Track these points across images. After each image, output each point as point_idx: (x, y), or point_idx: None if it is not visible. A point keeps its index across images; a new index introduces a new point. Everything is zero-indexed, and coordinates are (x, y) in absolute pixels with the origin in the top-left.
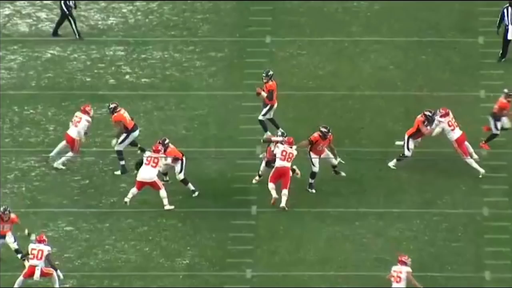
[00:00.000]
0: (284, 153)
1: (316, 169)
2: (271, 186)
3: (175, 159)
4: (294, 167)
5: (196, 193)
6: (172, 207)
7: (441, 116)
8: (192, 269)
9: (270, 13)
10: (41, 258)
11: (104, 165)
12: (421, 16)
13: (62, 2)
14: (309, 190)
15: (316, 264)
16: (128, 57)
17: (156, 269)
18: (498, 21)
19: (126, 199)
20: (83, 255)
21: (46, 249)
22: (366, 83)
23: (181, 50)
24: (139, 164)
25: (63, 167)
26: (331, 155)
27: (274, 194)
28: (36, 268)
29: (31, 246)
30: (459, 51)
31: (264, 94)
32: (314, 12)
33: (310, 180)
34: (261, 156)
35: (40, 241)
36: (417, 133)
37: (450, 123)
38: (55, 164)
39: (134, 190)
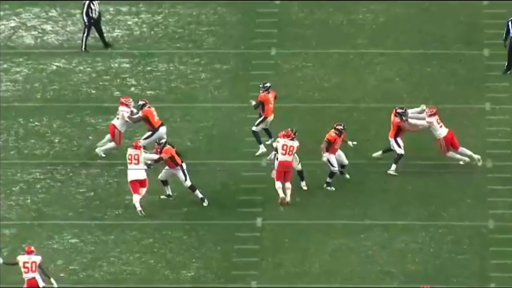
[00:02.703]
0: (285, 147)
1: (335, 169)
2: (278, 185)
3: (159, 159)
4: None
5: (206, 202)
6: (139, 208)
7: (429, 116)
8: (197, 281)
9: (276, 26)
10: (35, 270)
11: (109, 177)
12: (426, 28)
13: (84, 11)
14: (328, 188)
15: (321, 276)
16: (133, 69)
17: (161, 282)
18: (504, 34)
19: (139, 208)
20: (88, 267)
21: (38, 259)
22: (372, 95)
23: (186, 62)
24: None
25: (103, 155)
26: (343, 155)
27: (281, 193)
28: (36, 277)
29: (22, 259)
30: (465, 64)
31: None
32: (320, 24)
33: (328, 179)
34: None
35: (29, 253)
36: (399, 132)
37: (438, 121)
38: (98, 150)
39: (135, 197)
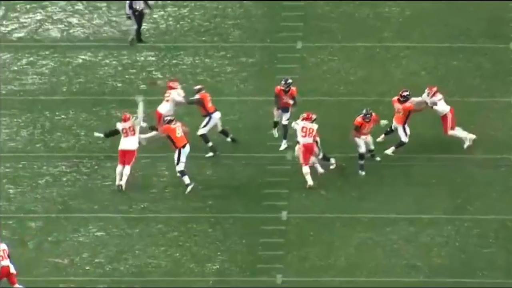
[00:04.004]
0: (304, 129)
1: (362, 149)
2: (306, 170)
3: (152, 128)
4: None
5: (189, 188)
6: (122, 184)
7: (433, 95)
8: (222, 274)
9: (301, 19)
10: (6, 256)
11: (134, 170)
12: (452, 22)
13: (127, 4)
14: (360, 172)
15: (346, 270)
16: (159, 62)
17: (186, 275)
18: None
19: (120, 183)
20: (113, 260)
21: (5, 246)
22: (397, 89)
23: (212, 55)
24: (109, 134)
25: (144, 144)
26: (371, 140)
27: (310, 180)
28: (9, 266)
29: None
30: (490, 57)
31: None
32: (345, 18)
33: (360, 162)
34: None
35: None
36: (408, 118)
37: (441, 98)
38: (141, 136)
39: (118, 168)
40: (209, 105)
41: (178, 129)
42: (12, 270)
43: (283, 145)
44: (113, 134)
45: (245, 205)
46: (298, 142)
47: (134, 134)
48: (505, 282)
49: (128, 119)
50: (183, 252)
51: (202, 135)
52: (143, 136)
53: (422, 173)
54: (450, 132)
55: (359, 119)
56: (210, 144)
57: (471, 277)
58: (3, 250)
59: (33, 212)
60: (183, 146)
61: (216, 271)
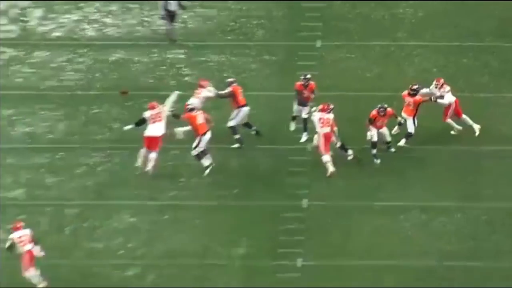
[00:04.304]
0: (322, 120)
1: (375, 139)
2: (326, 158)
3: (176, 116)
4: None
5: (207, 171)
6: (150, 169)
7: (441, 87)
8: (246, 258)
9: (320, 19)
10: (31, 241)
11: (164, 161)
12: (462, 22)
13: (162, 5)
14: (375, 161)
15: (363, 254)
16: (188, 60)
17: (213, 258)
18: None
19: (148, 169)
20: (144, 245)
21: (29, 231)
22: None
23: (237, 53)
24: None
25: (182, 137)
26: (386, 133)
27: (330, 167)
28: (33, 249)
29: (15, 235)
30: (497, 56)
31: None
32: (362, 18)
33: (373, 151)
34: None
35: (18, 228)
36: (418, 110)
37: (448, 89)
38: (177, 129)
39: (142, 151)
40: (240, 97)
41: (199, 116)
42: (36, 253)
43: (304, 137)
44: (142, 123)
45: (268, 193)
46: (317, 133)
47: (160, 120)
48: (511, 266)
49: (155, 107)
50: (210, 237)
51: (231, 127)
52: (181, 129)
53: (434, 164)
54: (448, 120)
55: (374, 112)
56: (238, 136)
57: (480, 261)
58: (25, 235)
59: (69, 200)
60: (204, 133)
61: (241, 255)
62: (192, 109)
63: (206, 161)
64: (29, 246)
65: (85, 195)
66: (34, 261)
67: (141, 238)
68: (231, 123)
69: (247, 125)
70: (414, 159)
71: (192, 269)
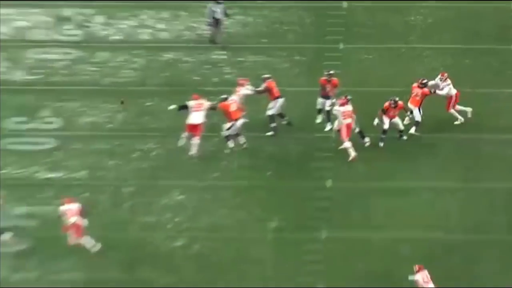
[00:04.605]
0: (344, 113)
1: (386, 126)
2: (348, 144)
3: (213, 108)
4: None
5: (229, 149)
6: (194, 153)
7: (445, 80)
8: (279, 231)
9: (343, 25)
10: (77, 213)
11: (209, 145)
12: (466, 27)
13: (209, 13)
14: (380, 143)
15: (379, 227)
16: (229, 60)
17: (250, 232)
18: None
19: (192, 153)
20: (190, 220)
21: (76, 206)
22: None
23: (271, 54)
24: (180, 108)
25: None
26: (399, 122)
27: (352, 153)
28: (79, 221)
29: (63, 208)
30: (497, 57)
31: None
32: (379, 24)
33: (382, 136)
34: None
35: (66, 203)
36: (423, 101)
37: (450, 83)
38: (237, 125)
39: (185, 134)
40: (275, 90)
41: (232, 105)
42: (82, 224)
43: (328, 126)
44: (184, 108)
45: (297, 175)
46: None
47: (200, 110)
48: (508, 237)
49: (198, 98)
50: (247, 213)
51: (270, 116)
52: (239, 123)
53: (440, 150)
54: (451, 110)
55: (386, 103)
56: (274, 124)
57: (481, 234)
58: (71, 209)
59: (126, 180)
60: (237, 119)
61: (274, 228)
62: (225, 99)
63: (230, 144)
64: (74, 219)
65: (140, 176)
66: (81, 231)
67: (187, 214)
68: (269, 112)
69: (281, 115)
70: (424, 145)
71: (231, 241)
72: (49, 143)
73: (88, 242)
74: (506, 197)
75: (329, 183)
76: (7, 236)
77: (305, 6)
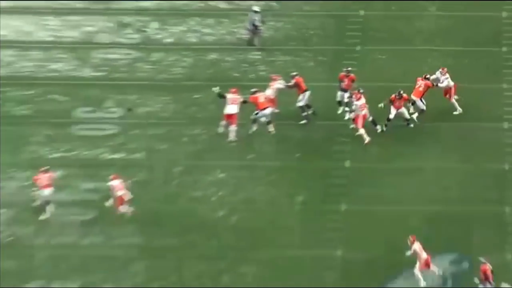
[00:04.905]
0: (361, 106)
1: (391, 116)
2: (362, 131)
3: (245, 102)
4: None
5: (253, 130)
6: (232, 138)
7: (444, 74)
8: (305, 203)
9: (360, 30)
10: (121, 188)
11: (245, 133)
12: (464, 33)
13: (249, 21)
14: (384, 128)
15: (390, 201)
16: (263, 59)
17: (279, 205)
18: None
19: (230, 139)
20: (230, 194)
21: (120, 181)
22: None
23: (298, 55)
24: (220, 96)
25: (265, 120)
26: (404, 112)
27: (367, 138)
28: (124, 194)
29: (112, 183)
30: (489, 57)
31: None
32: (391, 29)
33: (386, 122)
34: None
35: (114, 179)
36: (425, 93)
37: (448, 76)
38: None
39: (222, 123)
40: (303, 85)
41: (260, 97)
42: (126, 197)
43: (346, 115)
44: (222, 97)
45: (321, 157)
46: (356, 110)
47: (236, 103)
48: (498, 208)
49: (235, 92)
50: (278, 189)
51: (300, 107)
52: (266, 111)
53: (442, 136)
54: (452, 100)
55: (393, 95)
56: (305, 113)
57: (476, 206)
58: (118, 184)
59: (177, 161)
60: (264, 109)
61: (301, 202)
62: (255, 92)
63: (254, 127)
64: (121, 192)
65: (188, 157)
66: (123, 202)
67: (227, 189)
68: (299, 104)
69: (307, 106)
70: (428, 132)
71: (264, 212)
72: (112, 129)
73: (126, 208)
74: (497, 176)
75: (347, 163)
76: (51, 207)
77: (327, 14)
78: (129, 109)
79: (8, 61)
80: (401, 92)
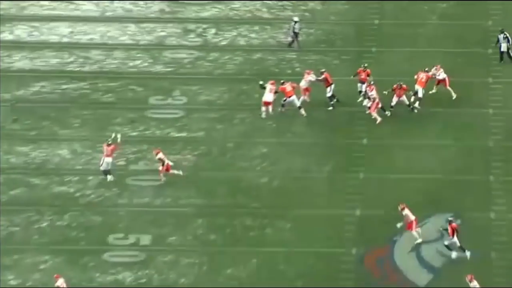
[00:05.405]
0: (375, 95)
1: (393, 103)
2: (375, 114)
3: (276, 92)
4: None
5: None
6: (264, 116)
7: (438, 70)
8: (330, 172)
9: (375, 35)
10: (164, 156)
11: (285, 116)
12: (458, 37)
13: (292, 28)
14: (387, 113)
15: (401, 170)
16: (298, 58)
17: (310, 172)
18: (496, 41)
19: (263, 115)
20: (272, 165)
21: (162, 154)
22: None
23: (326, 55)
24: (262, 87)
25: (299, 105)
26: (405, 99)
27: (379, 119)
28: (169, 163)
29: (158, 156)
30: (479, 57)
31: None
32: (400, 34)
33: (390, 108)
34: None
35: (158, 152)
36: (426, 83)
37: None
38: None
39: (264, 107)
40: (330, 79)
41: (287, 87)
42: (170, 164)
43: (364, 102)
44: (262, 88)
45: (343, 135)
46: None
47: (273, 92)
48: (484, 177)
49: (273, 83)
50: (309, 160)
51: (329, 97)
52: (291, 99)
53: (440, 118)
54: (449, 88)
55: (394, 86)
56: (332, 102)
57: (466, 175)
58: (162, 156)
59: (230, 138)
60: (290, 96)
61: (327, 171)
62: (283, 82)
63: (283, 109)
64: (166, 161)
65: (238, 136)
66: (170, 169)
67: (270, 161)
68: (328, 94)
69: (333, 95)
70: (428, 115)
71: (298, 179)
72: (178, 113)
73: (176, 171)
74: (483, 151)
75: (365, 141)
76: (111, 177)
77: (349, 22)
78: (15, 120)
79: (96, 59)
80: (401, 83)
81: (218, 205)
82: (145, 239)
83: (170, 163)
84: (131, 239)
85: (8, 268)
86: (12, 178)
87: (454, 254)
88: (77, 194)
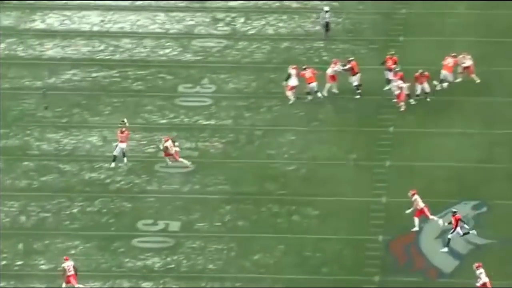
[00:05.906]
0: (401, 83)
1: (418, 92)
2: (402, 102)
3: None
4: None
5: (319, 94)
6: (292, 100)
7: (465, 57)
8: (356, 160)
9: (402, 25)
10: (172, 145)
11: (311, 104)
12: (485, 26)
13: (321, 18)
14: (413, 102)
15: (425, 159)
16: (325, 47)
17: (337, 159)
18: None
19: (290, 102)
20: (299, 152)
21: (171, 142)
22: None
23: (354, 43)
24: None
25: (326, 94)
26: (427, 86)
27: (403, 107)
28: (175, 149)
29: (166, 144)
30: (505, 46)
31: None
32: (426, 25)
33: (416, 97)
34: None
35: (167, 140)
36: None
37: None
38: (324, 92)
39: (289, 92)
40: (356, 69)
41: (307, 73)
42: (178, 150)
43: (388, 87)
44: (289, 76)
45: (370, 123)
46: (400, 88)
47: (295, 78)
48: (508, 165)
49: (296, 69)
50: (336, 148)
51: (355, 86)
52: (312, 85)
53: (466, 107)
54: (472, 75)
55: (417, 73)
56: (359, 91)
57: (490, 163)
58: (173, 146)
59: (258, 126)
60: (310, 83)
61: (353, 158)
62: (304, 69)
63: (310, 97)
64: (174, 149)
65: (265, 124)
66: (178, 156)
67: (297, 148)
68: (355, 83)
69: (359, 85)
70: (454, 104)
71: (325, 166)
72: (206, 102)
73: (184, 161)
74: (509, 140)
75: (391, 129)
76: (126, 161)
77: (377, 12)
78: (46, 107)
79: (126, 48)
80: (423, 71)
81: (245, 192)
82: (174, 226)
83: (178, 150)
84: (160, 225)
85: (39, 253)
86: (43, 165)
87: (445, 249)
88: (107, 181)
